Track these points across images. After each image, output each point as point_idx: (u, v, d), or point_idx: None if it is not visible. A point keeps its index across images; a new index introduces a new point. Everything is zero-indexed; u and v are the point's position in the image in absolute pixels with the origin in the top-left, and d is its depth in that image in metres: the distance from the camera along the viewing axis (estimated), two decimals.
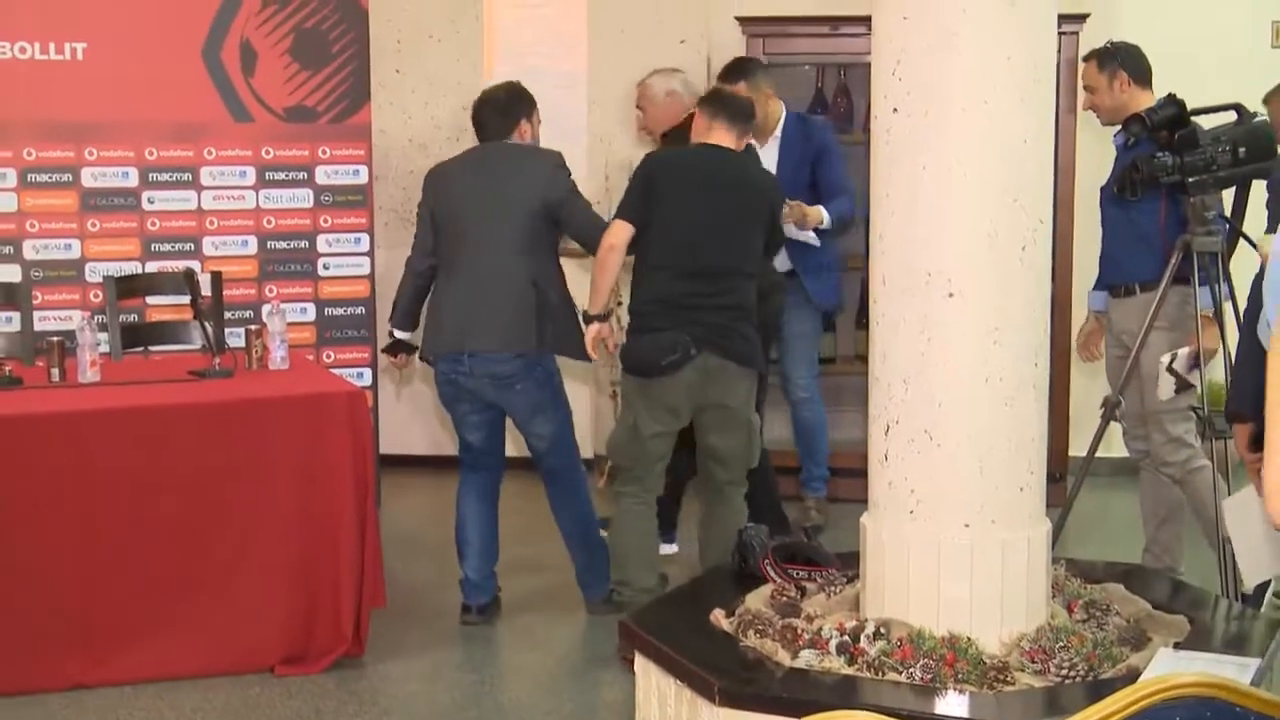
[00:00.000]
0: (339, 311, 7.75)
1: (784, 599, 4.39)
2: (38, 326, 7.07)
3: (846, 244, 7.44)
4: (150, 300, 7.43)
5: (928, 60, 3.92)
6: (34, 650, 5.47)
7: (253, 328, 6.54)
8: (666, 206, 5.70)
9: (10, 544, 5.44)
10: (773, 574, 4.59)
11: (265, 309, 6.87)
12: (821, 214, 6.90)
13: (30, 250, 7.36)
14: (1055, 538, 4.36)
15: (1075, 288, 7.45)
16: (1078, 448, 7.04)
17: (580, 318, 6.03)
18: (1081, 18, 7.44)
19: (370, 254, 7.76)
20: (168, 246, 7.53)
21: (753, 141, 7.09)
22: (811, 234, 6.96)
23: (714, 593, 4.65)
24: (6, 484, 5.42)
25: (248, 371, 6.33)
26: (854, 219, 7.03)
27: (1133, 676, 3.73)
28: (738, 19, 8.04)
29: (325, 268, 7.75)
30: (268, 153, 7.59)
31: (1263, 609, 5.34)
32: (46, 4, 7.33)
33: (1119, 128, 6.11)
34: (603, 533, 6.25)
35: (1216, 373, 5.96)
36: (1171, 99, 5.61)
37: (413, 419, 8.64)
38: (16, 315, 7.09)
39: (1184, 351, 5.74)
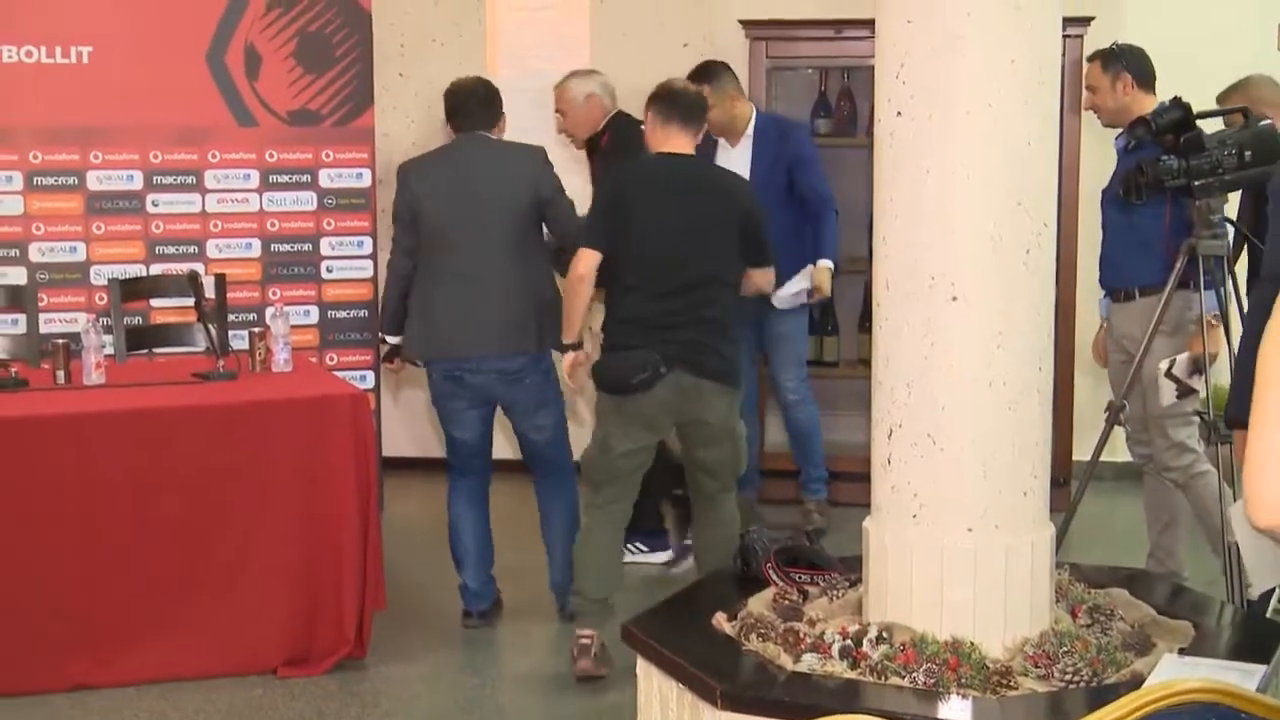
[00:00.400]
0: (342, 314, 7.75)
1: (786, 603, 4.39)
2: (43, 329, 7.08)
3: (845, 246, 7.43)
4: (155, 303, 7.46)
5: (932, 63, 3.92)
6: (38, 651, 5.48)
7: (256, 330, 6.56)
8: (634, 227, 5.55)
9: (15, 545, 5.45)
10: (775, 577, 4.58)
11: (269, 311, 6.89)
12: (827, 270, 6.98)
13: (36, 253, 7.38)
14: (1059, 542, 4.36)
15: (1080, 291, 7.45)
16: (1082, 452, 7.03)
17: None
18: (1086, 20, 7.44)
19: (373, 257, 7.75)
20: (172, 249, 7.54)
21: (722, 140, 7.15)
22: (804, 295, 7.09)
23: (716, 596, 4.64)
24: (12, 485, 5.44)
25: (251, 374, 6.34)
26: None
27: (1137, 682, 3.73)
28: (740, 22, 8.04)
29: (328, 270, 7.75)
30: (271, 156, 7.60)
31: (1269, 614, 5.33)
32: (52, 8, 7.35)
33: (1120, 131, 6.11)
34: None
35: (1222, 377, 5.97)
36: (1177, 102, 5.61)
37: (412, 421, 8.64)
38: (22, 317, 7.10)
39: (1183, 357, 5.74)
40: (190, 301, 6.55)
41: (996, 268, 3.93)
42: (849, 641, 4.01)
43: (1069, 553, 5.65)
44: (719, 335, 5.57)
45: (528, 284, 6.02)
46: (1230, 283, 5.67)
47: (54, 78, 7.30)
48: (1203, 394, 5.70)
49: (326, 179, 7.70)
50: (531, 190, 6.07)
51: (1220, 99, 6.49)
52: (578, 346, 5.83)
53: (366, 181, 7.77)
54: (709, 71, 7.18)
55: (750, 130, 7.22)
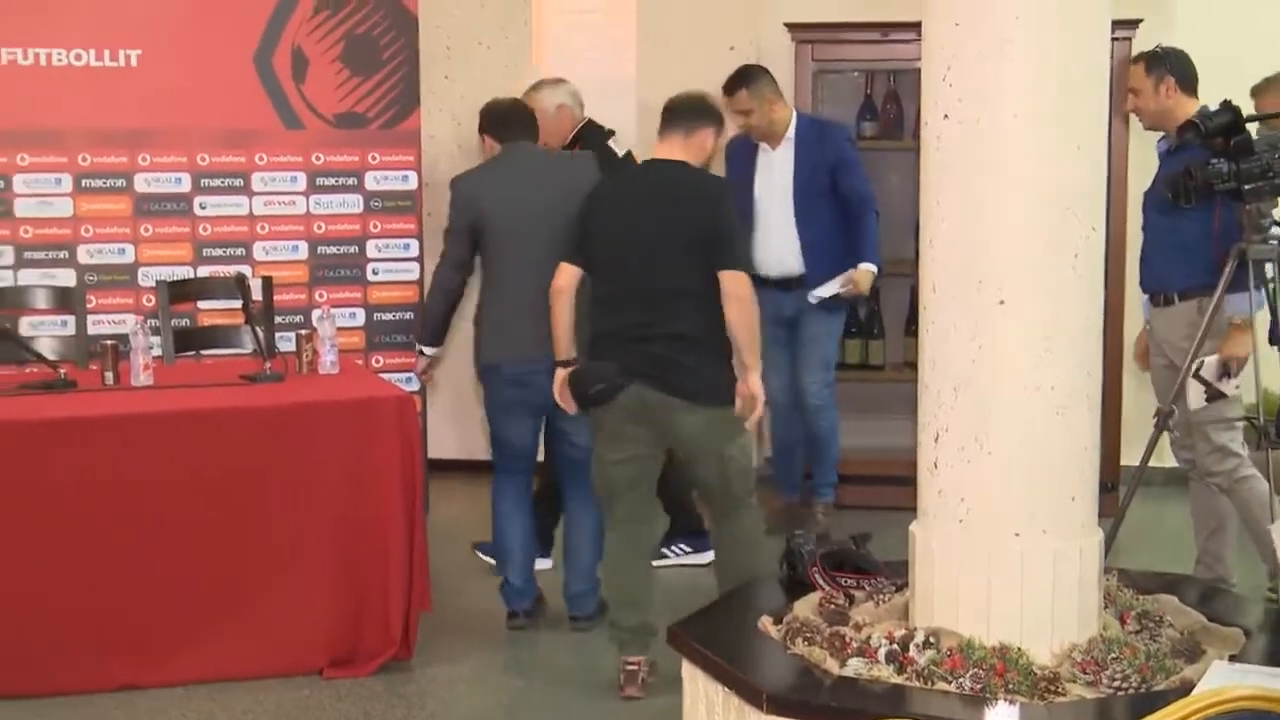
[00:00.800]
0: (388, 316, 7.76)
1: (832, 607, 4.37)
2: (92, 330, 7.14)
3: (891, 249, 7.42)
4: (202, 305, 7.48)
5: (979, 66, 3.90)
6: (85, 651, 5.52)
7: (303, 332, 6.58)
8: (601, 238, 5.53)
9: (62, 545, 5.48)
10: (821, 581, 4.57)
11: (315, 314, 6.91)
12: (869, 272, 6.99)
13: (85, 255, 7.41)
14: (1107, 548, 4.33)
15: (1128, 295, 7.41)
16: (1130, 456, 6.99)
17: None
18: (1135, 23, 7.40)
19: (419, 259, 7.76)
20: (219, 251, 7.56)
21: (763, 144, 7.14)
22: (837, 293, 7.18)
23: (762, 600, 4.64)
24: (60, 486, 5.48)
25: (298, 375, 6.36)
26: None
27: (1186, 689, 3.70)
28: (787, 25, 8.02)
29: (374, 273, 7.77)
30: (318, 158, 7.62)
31: None
32: (102, 12, 7.38)
33: (1161, 135, 6.08)
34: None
35: (1275, 383, 5.93)
36: (1227, 105, 5.58)
37: (458, 424, 8.65)
38: (71, 319, 7.16)
39: (1211, 359, 5.71)
40: (237, 303, 6.57)
41: (1044, 271, 3.92)
42: (895, 646, 3.99)
43: (1117, 558, 5.61)
44: (690, 350, 5.39)
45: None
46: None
47: (103, 81, 7.34)
48: (1232, 396, 5.69)
49: (373, 181, 7.71)
50: (582, 178, 6.06)
51: (1253, 93, 6.46)
52: (568, 364, 5.64)
53: (412, 184, 7.79)
54: (746, 75, 7.21)
55: (791, 133, 7.23)
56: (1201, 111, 5.68)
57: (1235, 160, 5.49)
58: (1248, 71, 6.72)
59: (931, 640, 3.99)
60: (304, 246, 7.68)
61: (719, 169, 7.00)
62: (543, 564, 6.93)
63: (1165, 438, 6.01)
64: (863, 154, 7.58)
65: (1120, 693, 3.80)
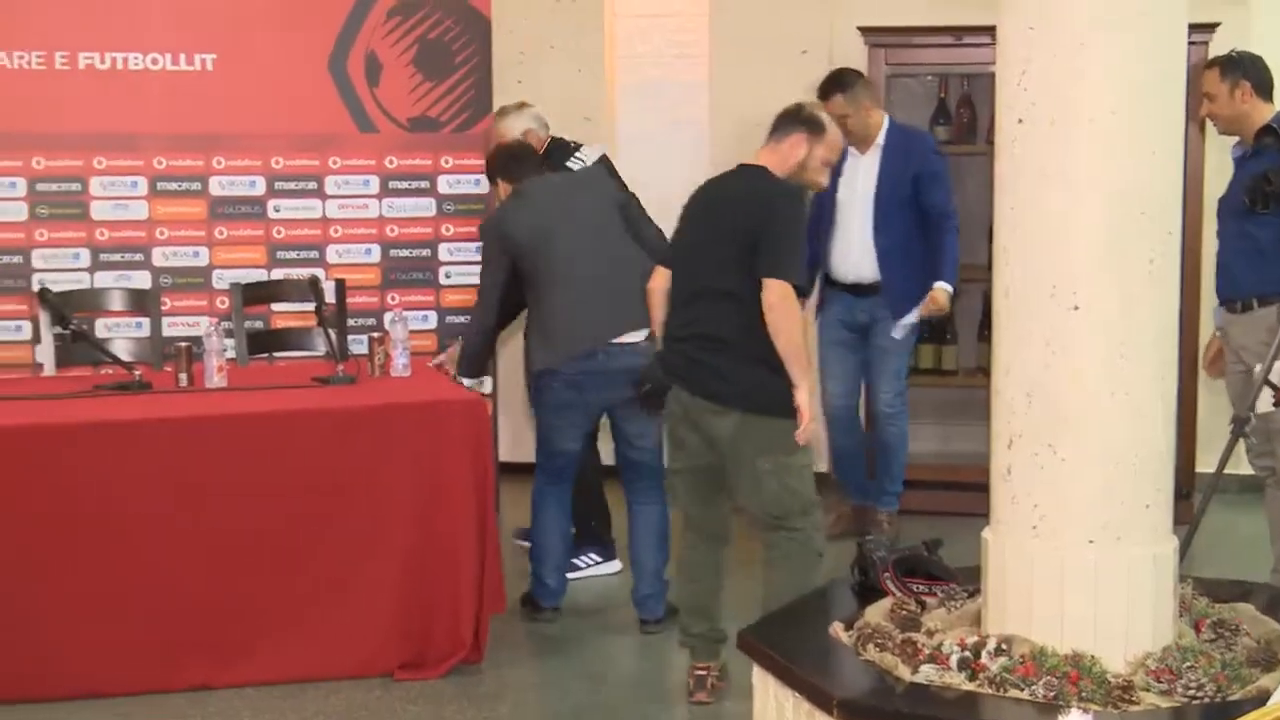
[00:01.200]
0: (460, 320, 7.78)
1: (904, 613, 4.35)
2: (166, 332, 7.20)
3: (964, 254, 7.38)
4: (275, 307, 7.53)
5: (1054, 70, 3.88)
6: (159, 651, 5.57)
7: (375, 335, 6.61)
8: (674, 238, 5.59)
9: (137, 546, 5.53)
10: (893, 588, 4.56)
11: (388, 316, 6.95)
12: (947, 291, 6.99)
13: (160, 257, 7.47)
14: (1182, 555, 4.29)
15: (1204, 301, 7.35)
16: (1205, 464, 6.94)
17: None
18: (1211, 27, 7.34)
19: None
20: (293, 254, 7.61)
21: (851, 148, 7.13)
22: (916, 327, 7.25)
23: (833, 606, 4.63)
24: (135, 486, 5.52)
25: (370, 378, 6.39)
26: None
27: (1262, 699, 3.67)
28: (860, 29, 8.00)
29: (447, 276, 7.80)
30: (391, 162, 7.65)
31: None
32: (178, 17, 7.45)
33: (1236, 140, 6.03)
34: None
35: None
36: None
37: (529, 428, 8.63)
38: (146, 321, 7.23)
39: None
40: (310, 306, 6.61)
41: (1119, 277, 3.89)
42: (967, 653, 3.97)
43: (1192, 566, 5.57)
44: (720, 352, 5.24)
45: (635, 260, 6.13)
46: None
47: (179, 85, 7.40)
48: None
49: (445, 185, 7.74)
50: (612, 193, 6.45)
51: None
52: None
53: (485, 188, 7.78)
54: (842, 80, 7.19)
55: (881, 139, 7.20)
56: (1278, 116, 5.63)
57: None
58: None
59: (1004, 647, 3.97)
60: (377, 249, 7.71)
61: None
62: (610, 567, 6.99)
63: (1241, 444, 5.96)
64: (946, 164, 7.53)
65: (1195, 702, 3.76)
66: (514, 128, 7.05)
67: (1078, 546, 3.94)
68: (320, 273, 7.34)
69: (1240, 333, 6.02)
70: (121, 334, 7.28)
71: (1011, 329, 4.02)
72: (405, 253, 7.75)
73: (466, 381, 6.47)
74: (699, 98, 8.86)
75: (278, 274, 7.55)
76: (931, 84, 8.35)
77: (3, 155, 7.29)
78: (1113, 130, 3.85)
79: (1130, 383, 3.90)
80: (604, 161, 6.81)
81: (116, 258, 7.43)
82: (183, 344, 6.35)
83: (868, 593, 4.62)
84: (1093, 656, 3.87)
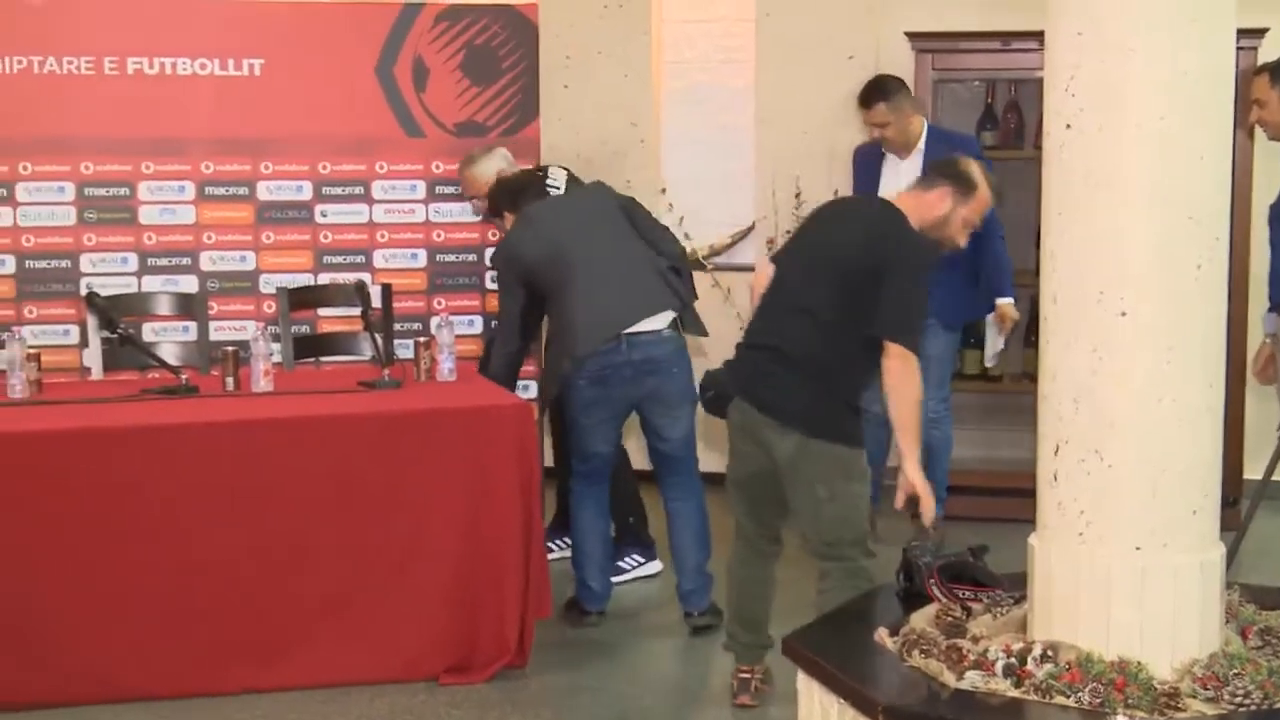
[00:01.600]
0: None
1: (949, 619, 4.34)
2: (213, 336, 7.24)
3: (1011, 259, 7.36)
4: (322, 312, 7.56)
5: (1102, 75, 3.87)
6: (206, 654, 5.59)
7: (421, 340, 6.63)
8: (788, 246, 5.52)
9: (185, 549, 5.56)
10: (938, 594, 4.54)
11: (434, 321, 6.98)
12: (1010, 304, 7.02)
13: (207, 261, 7.51)
14: (1229, 562, 4.27)
15: (1251, 306, 7.31)
16: (1253, 470, 6.90)
17: None
18: (1260, 32, 7.30)
19: None
20: (339, 259, 7.64)
21: (890, 154, 7.13)
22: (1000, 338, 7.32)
23: (878, 612, 4.62)
24: (182, 490, 5.55)
25: (416, 383, 6.41)
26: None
27: None
28: (907, 34, 7.99)
29: (493, 281, 7.79)
30: (438, 167, 7.67)
31: None
32: (226, 22, 7.49)
33: None
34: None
35: None
36: None
37: None
38: (193, 325, 7.27)
39: None
40: (357, 311, 6.64)
41: (1167, 283, 3.87)
42: (1013, 659, 3.96)
43: (1239, 573, 5.54)
44: (791, 370, 5.08)
45: (646, 254, 6.27)
46: None
47: (226, 90, 7.44)
48: None
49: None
50: (614, 198, 6.49)
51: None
52: None
53: None
54: (884, 89, 7.20)
55: (921, 144, 7.20)
56: None
57: None
58: None
59: (1050, 654, 3.95)
60: (423, 254, 7.73)
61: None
62: (653, 568, 7.01)
63: None
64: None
65: (1242, 709, 3.74)
66: (487, 170, 7.17)
67: (1124, 553, 3.93)
68: (367, 277, 7.36)
69: None
70: (168, 338, 7.32)
71: (1059, 334, 4.00)
72: (451, 257, 7.77)
73: None
74: (745, 103, 8.87)
75: (324, 278, 7.57)
76: (978, 89, 8.33)
77: (51, 160, 7.34)
78: (1161, 136, 3.83)
79: (1178, 389, 3.88)
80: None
81: (164, 262, 7.47)
82: (229, 348, 6.38)
83: (913, 598, 4.61)
84: (1139, 663, 3.85)
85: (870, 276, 4.98)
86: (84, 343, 7.14)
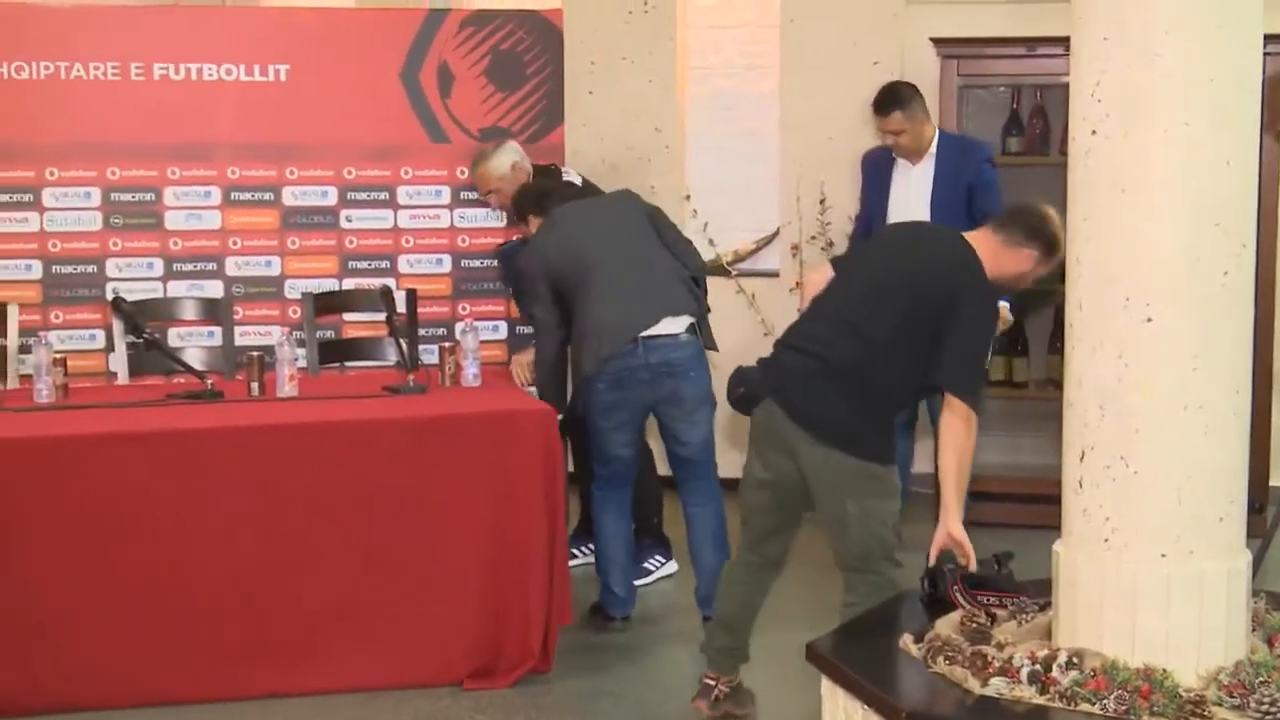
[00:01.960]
0: (530, 330, 7.81)
1: (974, 625, 4.34)
2: (239, 341, 7.26)
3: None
4: (347, 317, 7.58)
5: (1128, 81, 3.86)
6: (232, 658, 5.60)
7: (446, 345, 6.64)
8: (857, 255, 5.45)
9: (208, 554, 5.56)
10: (962, 600, 4.54)
11: (459, 326, 6.97)
12: (1004, 308, 6.95)
13: (232, 266, 7.53)
14: (1255, 569, 4.26)
15: (1279, 313, 7.29)
16: (1279, 477, 6.88)
17: None
18: None
19: None
20: (365, 264, 7.65)
21: (901, 160, 7.13)
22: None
23: (903, 618, 4.61)
24: (207, 495, 5.56)
25: (441, 388, 6.42)
26: None
27: None
28: (932, 40, 7.97)
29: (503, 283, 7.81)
30: (462, 173, 7.67)
31: None
32: (251, 28, 7.55)
33: None
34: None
35: None
36: None
37: None
38: (219, 330, 7.29)
39: None
40: (382, 316, 6.66)
41: (1193, 289, 3.86)
42: (1038, 666, 3.95)
43: (1265, 580, 5.52)
44: (829, 379, 4.93)
45: (669, 261, 6.36)
46: None
47: (252, 96, 7.46)
48: None
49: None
50: (641, 206, 6.57)
51: None
52: None
53: None
54: (900, 97, 7.20)
55: (932, 149, 7.22)
56: None
57: None
58: None
59: (1075, 661, 3.94)
60: (448, 260, 7.74)
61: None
62: (673, 567, 7.02)
63: None
64: (1008, 170, 7.52)
65: (1268, 717, 3.73)
66: (502, 163, 7.22)
67: (1150, 560, 3.92)
68: (392, 282, 7.38)
69: None
70: (194, 343, 7.35)
71: (1084, 341, 4.00)
72: (476, 263, 7.78)
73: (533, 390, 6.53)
74: (769, 109, 8.86)
75: (349, 284, 7.59)
76: (1004, 95, 8.31)
77: (78, 165, 7.37)
78: (1187, 142, 3.82)
79: (1203, 395, 3.87)
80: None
81: (189, 267, 7.49)
82: (255, 353, 6.40)
83: (938, 605, 4.60)
84: (1164, 671, 3.84)
85: (938, 309, 4.86)
86: (110, 347, 7.16)
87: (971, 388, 4.88)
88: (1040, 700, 3.85)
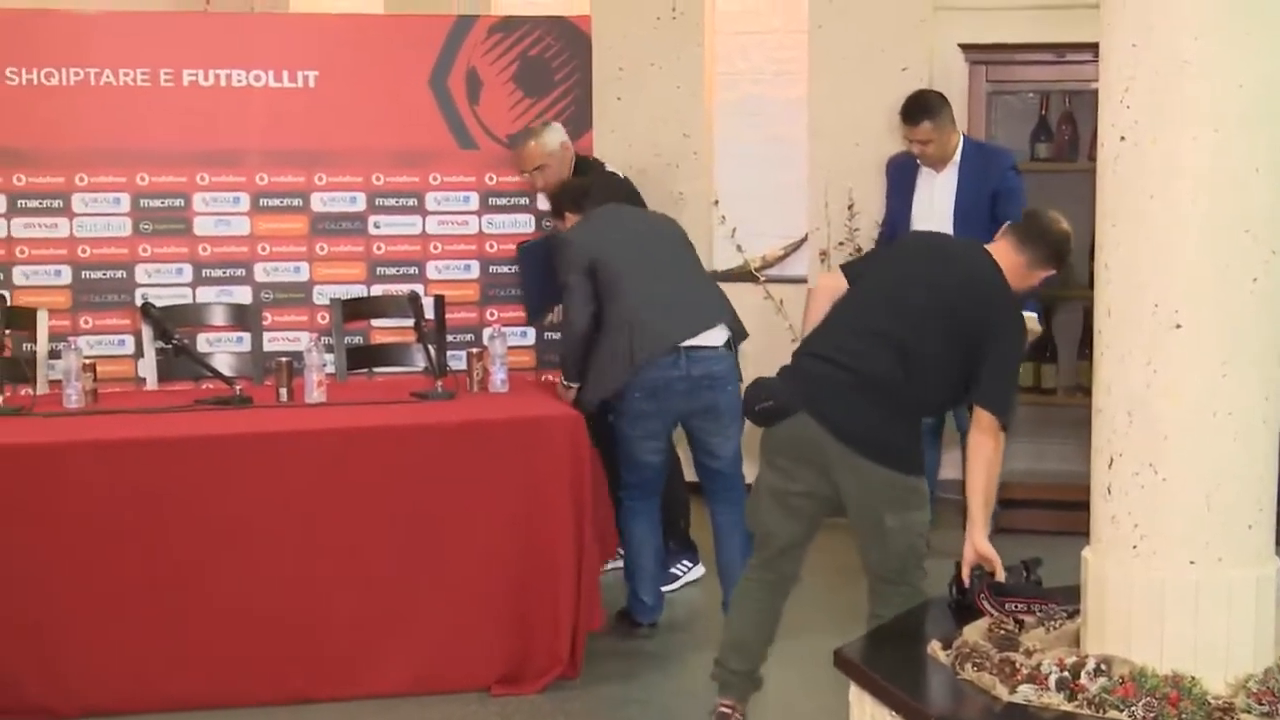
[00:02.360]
0: (558, 336, 7.81)
1: (1002, 632, 4.33)
2: (267, 347, 7.28)
3: (1065, 272, 7.31)
4: (375, 323, 7.58)
5: (1157, 87, 3.85)
6: (259, 663, 5.62)
7: (474, 350, 6.66)
8: (878, 267, 5.26)
9: (238, 560, 5.58)
10: (989, 607, 4.53)
11: (486, 332, 6.99)
12: (1035, 318, 6.94)
13: (261, 273, 7.54)
14: None
15: None
16: None
17: None
18: None
19: None
20: (393, 270, 7.66)
21: (925, 167, 7.11)
22: None
23: (931, 624, 4.60)
24: (235, 501, 5.57)
25: (469, 394, 6.44)
26: None
27: None
28: (961, 46, 7.97)
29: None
30: (491, 179, 7.68)
31: None
32: (280, 35, 7.56)
33: None
34: None
35: None
36: None
37: None
38: (247, 336, 7.31)
39: None
40: (410, 322, 6.66)
41: (1222, 295, 3.85)
42: (1066, 673, 3.94)
43: None
44: (863, 391, 4.89)
45: (707, 278, 6.49)
46: None
47: (281, 102, 7.47)
48: None
49: (545, 202, 7.73)
50: (675, 224, 6.69)
51: None
52: None
53: None
54: (930, 107, 7.18)
55: (956, 156, 7.21)
56: None
57: None
58: None
59: (1103, 668, 3.93)
60: (476, 266, 7.75)
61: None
62: (697, 573, 7.03)
63: None
64: (1037, 176, 7.52)
65: None
66: (552, 140, 7.28)
67: (1178, 567, 3.91)
68: (420, 288, 7.38)
69: None
70: (223, 349, 7.36)
71: (1113, 347, 3.99)
72: (504, 269, 7.77)
73: (573, 384, 6.50)
74: (798, 115, 8.86)
75: (378, 290, 7.59)
76: (1032, 101, 8.30)
77: (107, 171, 7.38)
78: (1215, 148, 3.81)
79: (1232, 402, 3.86)
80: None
81: (218, 273, 7.50)
82: (283, 359, 6.43)
83: (965, 612, 4.60)
84: (1193, 678, 3.83)
85: (977, 329, 4.88)
86: (139, 353, 7.18)
87: (1007, 406, 4.88)
88: (1068, 707, 3.84)
